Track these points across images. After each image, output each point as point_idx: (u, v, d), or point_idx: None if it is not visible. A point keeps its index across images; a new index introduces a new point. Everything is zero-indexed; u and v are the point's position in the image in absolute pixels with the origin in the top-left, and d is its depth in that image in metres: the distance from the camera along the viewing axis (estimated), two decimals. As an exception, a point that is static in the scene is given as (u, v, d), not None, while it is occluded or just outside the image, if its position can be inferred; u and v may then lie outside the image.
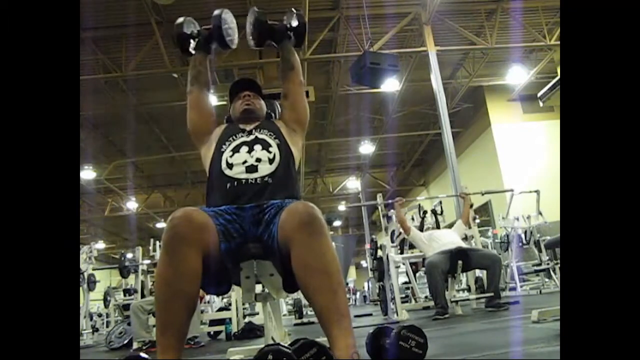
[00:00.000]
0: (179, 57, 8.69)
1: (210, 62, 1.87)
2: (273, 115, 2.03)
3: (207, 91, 1.84)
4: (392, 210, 5.26)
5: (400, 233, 5.42)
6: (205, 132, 1.77)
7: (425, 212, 6.25)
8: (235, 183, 1.53)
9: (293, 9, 1.86)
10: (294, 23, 1.81)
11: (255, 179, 1.54)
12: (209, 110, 1.83)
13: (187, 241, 1.21)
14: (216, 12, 1.80)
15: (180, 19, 1.80)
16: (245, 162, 1.58)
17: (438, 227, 5.67)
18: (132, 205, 15.54)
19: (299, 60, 1.88)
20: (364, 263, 23.88)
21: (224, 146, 1.65)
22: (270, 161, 1.59)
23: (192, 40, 1.81)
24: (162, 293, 1.20)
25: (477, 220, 5.73)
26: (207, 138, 1.75)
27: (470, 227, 4.87)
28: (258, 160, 1.58)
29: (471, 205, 5.17)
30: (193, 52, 1.83)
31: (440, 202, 6.42)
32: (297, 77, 1.85)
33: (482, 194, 5.68)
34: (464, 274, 5.01)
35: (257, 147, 1.62)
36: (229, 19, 1.85)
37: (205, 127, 1.78)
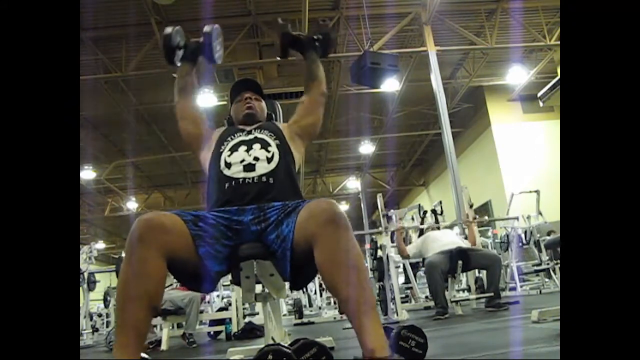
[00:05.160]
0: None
1: (195, 73, 1.88)
2: (274, 116, 2.03)
3: (194, 100, 1.86)
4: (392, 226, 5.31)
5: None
6: (201, 138, 1.78)
7: (425, 212, 6.25)
8: (234, 183, 1.53)
9: (321, 20, 1.86)
10: (321, 33, 1.82)
11: (253, 177, 1.53)
12: (200, 117, 1.84)
13: (144, 243, 1.22)
14: (207, 28, 1.81)
15: (169, 29, 1.79)
16: (243, 160, 1.57)
17: (437, 227, 5.66)
18: (132, 205, 15.53)
19: (323, 71, 1.87)
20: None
21: (222, 146, 1.65)
22: (269, 160, 1.58)
23: (179, 51, 1.81)
24: (120, 293, 1.22)
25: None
26: (204, 143, 1.76)
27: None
28: (256, 159, 1.58)
29: (471, 206, 5.18)
30: (179, 63, 1.84)
31: (440, 202, 6.42)
32: (319, 88, 1.85)
33: (487, 221, 5.68)
34: (464, 274, 5.01)
35: (256, 146, 1.62)
36: (218, 35, 1.87)
37: (200, 134, 1.79)
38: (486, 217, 5.65)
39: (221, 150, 1.64)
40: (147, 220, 1.25)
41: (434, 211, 6.17)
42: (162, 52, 1.80)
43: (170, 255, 1.26)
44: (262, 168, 1.56)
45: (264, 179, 1.54)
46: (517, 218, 6.88)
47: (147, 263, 1.21)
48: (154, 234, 1.24)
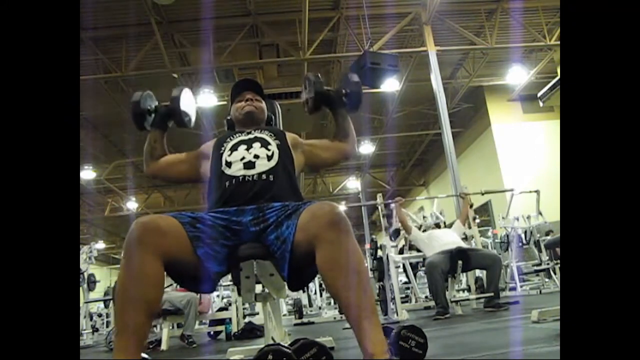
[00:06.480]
0: (179, 57, 8.72)
1: (165, 138, 1.84)
2: (274, 117, 2.03)
3: (165, 155, 1.83)
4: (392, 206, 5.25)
5: (399, 233, 5.42)
6: (199, 165, 1.77)
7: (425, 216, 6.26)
8: (234, 181, 1.53)
9: (349, 75, 1.79)
10: (349, 89, 1.76)
11: (253, 175, 1.53)
12: (183, 157, 1.83)
13: (142, 246, 1.22)
14: (175, 93, 1.76)
15: (137, 95, 1.73)
16: (243, 158, 1.57)
17: (438, 226, 5.67)
18: (132, 205, 15.54)
19: (353, 129, 1.83)
20: (364, 263, 23.83)
21: (222, 148, 1.65)
22: (269, 158, 1.58)
23: (149, 117, 1.77)
24: (119, 297, 1.22)
25: (477, 220, 5.74)
26: (204, 162, 1.75)
27: (469, 227, 4.87)
28: (256, 156, 1.58)
29: (471, 206, 5.18)
30: (149, 128, 1.80)
31: (441, 211, 6.41)
32: (352, 145, 1.82)
33: (482, 194, 5.69)
34: (464, 274, 5.01)
35: (256, 144, 1.62)
36: (188, 98, 1.82)
37: (196, 164, 1.79)
38: (481, 190, 5.56)
39: (221, 151, 1.64)
40: (144, 224, 1.25)
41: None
42: (131, 118, 1.73)
43: (168, 258, 1.26)
44: (263, 165, 1.56)
45: (264, 176, 1.53)
46: (512, 190, 6.72)
47: (145, 266, 1.21)
48: (151, 237, 1.24)
